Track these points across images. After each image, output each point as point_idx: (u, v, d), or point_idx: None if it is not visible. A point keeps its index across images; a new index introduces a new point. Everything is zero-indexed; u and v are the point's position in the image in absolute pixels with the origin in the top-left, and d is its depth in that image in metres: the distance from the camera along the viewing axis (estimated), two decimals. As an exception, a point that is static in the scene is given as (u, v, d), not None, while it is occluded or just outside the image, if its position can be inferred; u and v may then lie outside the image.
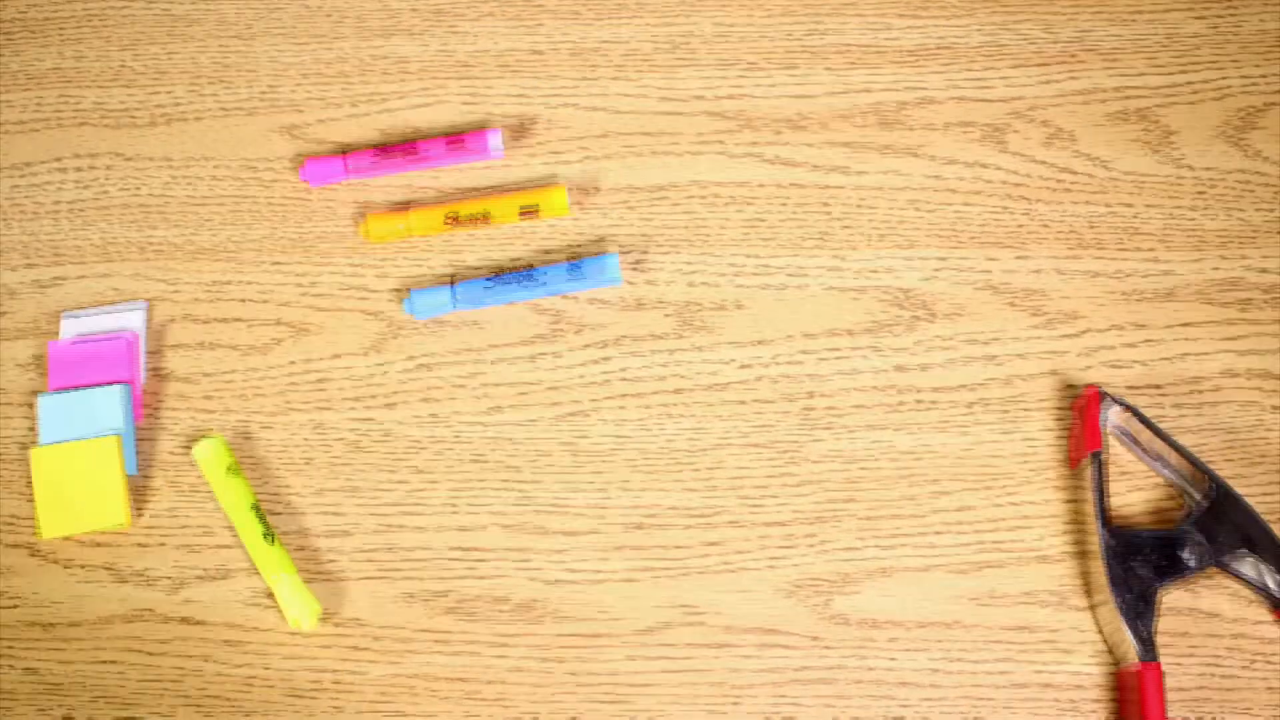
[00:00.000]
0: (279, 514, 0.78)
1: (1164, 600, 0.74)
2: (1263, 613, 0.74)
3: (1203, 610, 0.74)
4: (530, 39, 0.88)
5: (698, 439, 0.78)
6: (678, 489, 0.77)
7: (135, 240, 0.84)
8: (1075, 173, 0.83)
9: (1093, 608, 0.74)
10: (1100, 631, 0.74)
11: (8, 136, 0.87)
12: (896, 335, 0.80)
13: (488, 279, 0.79)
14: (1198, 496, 0.74)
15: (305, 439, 0.79)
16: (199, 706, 0.75)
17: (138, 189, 0.85)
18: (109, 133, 0.87)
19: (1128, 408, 0.75)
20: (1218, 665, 0.73)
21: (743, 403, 0.79)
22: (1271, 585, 0.73)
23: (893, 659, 0.74)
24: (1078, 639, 0.74)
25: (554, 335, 0.81)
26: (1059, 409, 0.78)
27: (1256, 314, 0.80)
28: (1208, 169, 0.83)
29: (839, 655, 0.74)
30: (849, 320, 0.81)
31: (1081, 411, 0.76)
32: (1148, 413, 0.78)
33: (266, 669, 0.76)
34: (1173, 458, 0.75)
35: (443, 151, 0.83)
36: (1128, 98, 0.85)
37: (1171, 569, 0.72)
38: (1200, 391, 0.79)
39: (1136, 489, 0.77)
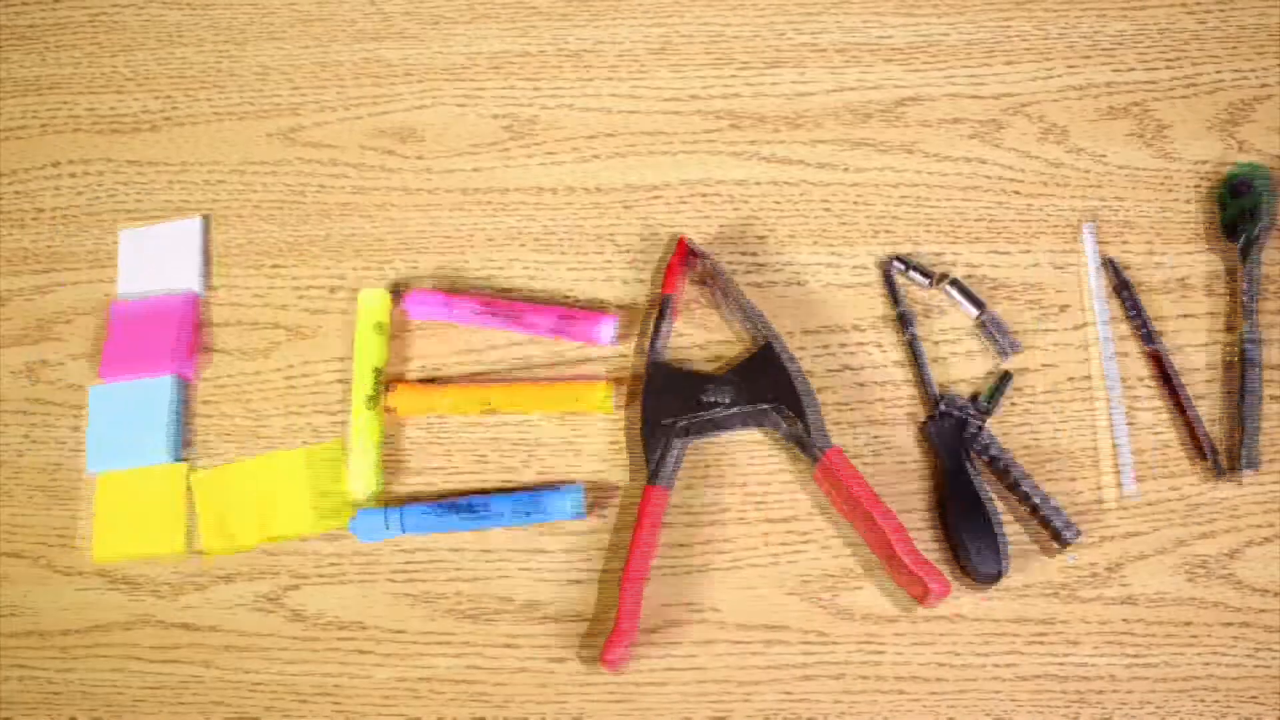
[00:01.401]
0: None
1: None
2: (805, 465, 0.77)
3: (1209, 600, 0.74)
4: (523, 41, 0.88)
5: (699, 436, 0.78)
6: (680, 486, 0.77)
7: (130, 246, 0.84)
8: (1070, 167, 0.84)
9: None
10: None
11: (1, 143, 0.86)
12: (896, 330, 0.80)
13: (435, 507, 0.76)
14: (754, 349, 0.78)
15: (305, 441, 0.79)
16: (202, 712, 0.74)
17: (132, 194, 0.85)
18: (101, 138, 0.86)
19: (707, 258, 0.79)
20: (1223, 654, 0.74)
21: (744, 400, 0.79)
22: (798, 434, 0.76)
23: (899, 653, 0.74)
24: (1083, 630, 0.74)
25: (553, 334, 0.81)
26: (1060, 401, 0.78)
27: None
28: (1200, 162, 0.84)
29: (845, 650, 0.74)
30: (848, 316, 0.81)
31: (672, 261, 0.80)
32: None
33: (269, 674, 0.75)
34: (738, 311, 0.79)
35: (551, 324, 0.79)
36: (1120, 92, 0.86)
37: (698, 405, 0.76)
38: (1200, 383, 0.79)
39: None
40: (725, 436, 0.78)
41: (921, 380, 0.78)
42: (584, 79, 0.87)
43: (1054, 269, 0.81)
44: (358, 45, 0.88)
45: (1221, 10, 0.87)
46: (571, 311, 0.79)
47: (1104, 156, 0.84)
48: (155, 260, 0.82)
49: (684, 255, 0.79)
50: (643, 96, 0.86)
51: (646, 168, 0.84)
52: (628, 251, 0.82)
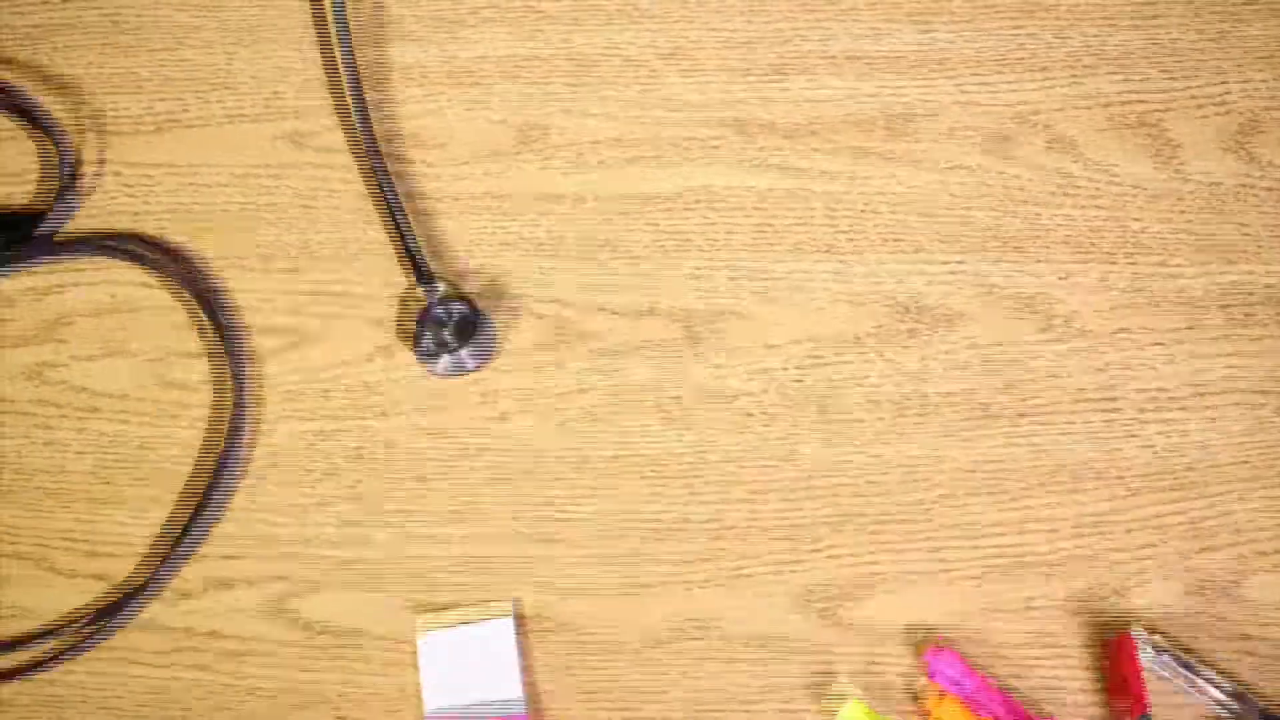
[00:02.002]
0: (283, 525, 0.77)
1: None
2: None
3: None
4: (530, 45, 0.88)
5: (704, 447, 0.78)
6: (684, 499, 0.77)
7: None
8: (1079, 180, 0.84)
9: None
10: None
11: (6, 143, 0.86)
12: (903, 342, 0.80)
13: None
14: None
15: (307, 447, 0.79)
16: (202, 718, 0.74)
17: (139, 197, 0.85)
18: (110, 139, 0.86)
19: (1164, 651, 0.73)
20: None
21: (750, 413, 0.79)
22: None
23: (902, 670, 0.74)
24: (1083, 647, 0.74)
25: (559, 343, 0.80)
26: (1066, 413, 0.78)
27: (1261, 320, 0.80)
28: (1211, 176, 0.84)
29: (848, 665, 0.74)
30: (855, 327, 0.81)
31: (1116, 656, 0.73)
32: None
33: (270, 680, 0.75)
34: (1213, 690, 0.73)
35: None
36: (1131, 105, 0.85)
37: None
38: (1207, 395, 0.79)
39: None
40: None
41: None
42: (592, 85, 0.87)
43: (1062, 282, 0.81)
44: (366, 49, 0.88)
45: (1234, 23, 0.87)
46: None
47: (1114, 168, 0.84)
48: (465, 668, 0.75)
49: (1134, 654, 0.72)
50: (651, 104, 0.86)
51: (655, 175, 0.84)
52: (636, 260, 0.82)
